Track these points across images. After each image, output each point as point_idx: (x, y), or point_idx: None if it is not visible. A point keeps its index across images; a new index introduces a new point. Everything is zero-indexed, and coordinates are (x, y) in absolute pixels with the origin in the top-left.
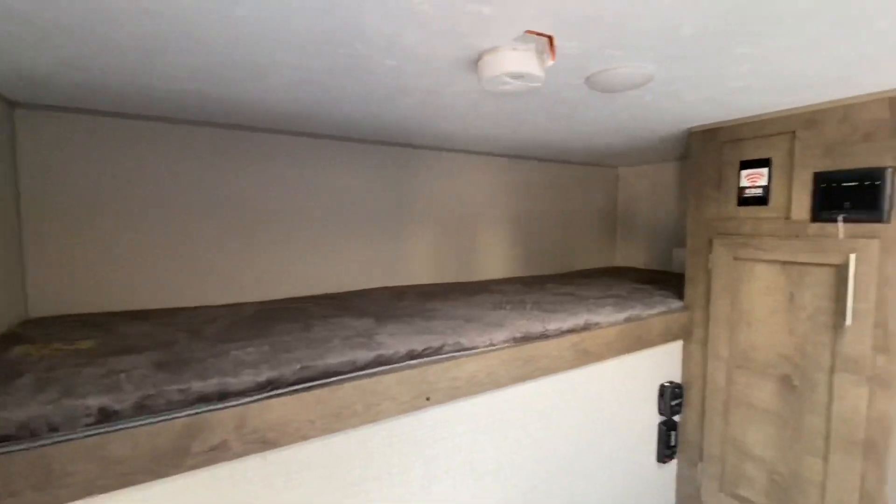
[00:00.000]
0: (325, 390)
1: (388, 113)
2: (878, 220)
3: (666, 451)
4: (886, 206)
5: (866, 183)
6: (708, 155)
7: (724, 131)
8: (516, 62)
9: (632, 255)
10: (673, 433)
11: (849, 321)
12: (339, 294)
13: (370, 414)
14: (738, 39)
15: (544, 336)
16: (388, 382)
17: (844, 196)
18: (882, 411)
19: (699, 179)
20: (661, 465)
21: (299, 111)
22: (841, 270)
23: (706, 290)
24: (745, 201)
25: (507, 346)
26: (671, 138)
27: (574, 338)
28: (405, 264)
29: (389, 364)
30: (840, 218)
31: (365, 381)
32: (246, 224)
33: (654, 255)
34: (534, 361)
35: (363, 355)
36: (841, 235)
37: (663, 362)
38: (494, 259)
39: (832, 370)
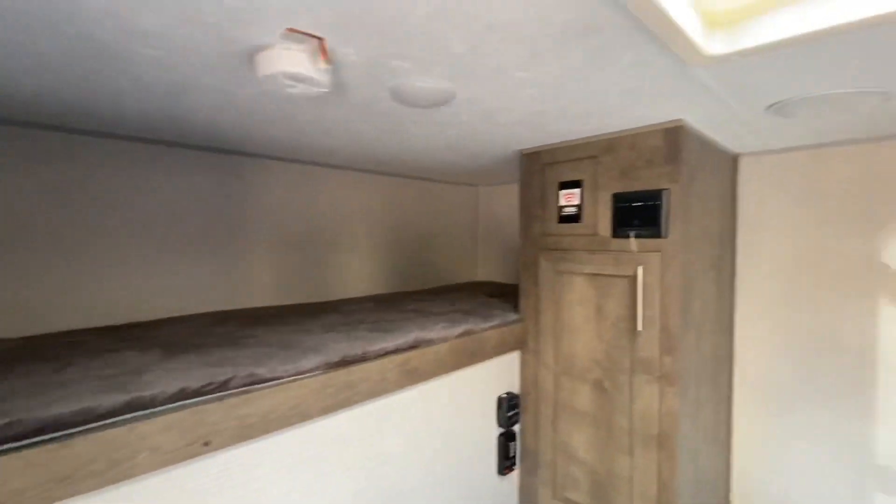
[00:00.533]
0: (42, 450)
1: (185, 112)
2: (658, 235)
3: (506, 462)
4: (664, 223)
5: (649, 203)
6: (533, 176)
7: (545, 154)
8: (287, 62)
9: (493, 269)
10: (512, 444)
11: (640, 327)
12: (144, 323)
13: (119, 471)
14: (512, 63)
15: (364, 359)
16: (146, 430)
17: (635, 214)
18: (670, 406)
19: (527, 199)
20: (502, 477)
21: (58, 103)
22: (633, 281)
23: (536, 302)
24: (563, 219)
25: (319, 374)
26: (507, 159)
27: (400, 358)
28: (243, 285)
29: (151, 407)
30: (632, 234)
31: (110, 432)
32: (20, 242)
33: (512, 270)
34: (352, 387)
35: (111, 399)
36: (634, 249)
37: (501, 374)
38: (355, 277)
39: (632, 372)
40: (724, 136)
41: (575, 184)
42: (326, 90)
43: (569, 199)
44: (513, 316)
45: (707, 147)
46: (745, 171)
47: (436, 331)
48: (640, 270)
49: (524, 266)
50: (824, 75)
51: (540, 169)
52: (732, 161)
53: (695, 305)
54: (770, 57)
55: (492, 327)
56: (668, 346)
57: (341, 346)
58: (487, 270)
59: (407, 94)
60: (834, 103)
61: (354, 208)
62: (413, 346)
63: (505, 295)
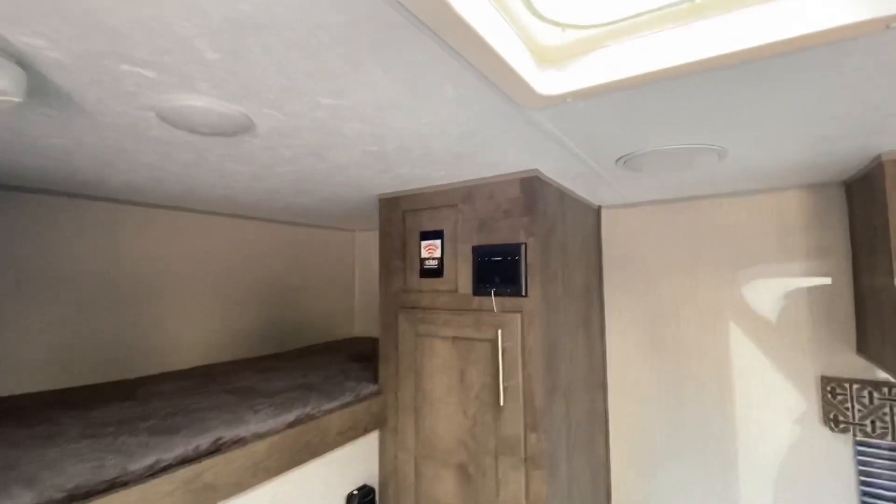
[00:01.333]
0: None
1: None
2: (519, 293)
3: None
4: (523, 280)
5: (508, 258)
6: (393, 224)
7: (405, 200)
8: None
9: (370, 323)
10: None
11: (501, 401)
12: None
13: None
14: (303, 83)
15: (115, 486)
16: None
17: (496, 270)
18: (537, 493)
19: (387, 249)
20: None
21: None
22: (495, 346)
23: (396, 370)
24: (425, 273)
25: None
26: (368, 204)
27: (186, 472)
28: (7, 361)
29: None
30: (492, 292)
31: None
32: None
33: None
34: None
35: None
36: (495, 309)
37: (353, 464)
38: (191, 341)
39: (497, 454)
40: (582, 188)
41: (436, 234)
42: (18, 100)
43: (430, 250)
44: (370, 387)
45: (567, 198)
46: (608, 222)
47: (254, 422)
48: (499, 334)
49: (384, 327)
50: (661, 126)
51: (400, 217)
52: (595, 213)
53: (561, 368)
54: (606, 102)
55: (339, 407)
56: (533, 421)
57: (80, 469)
58: (366, 324)
59: (174, 115)
60: (675, 159)
61: (192, 257)
62: (212, 452)
63: (374, 357)
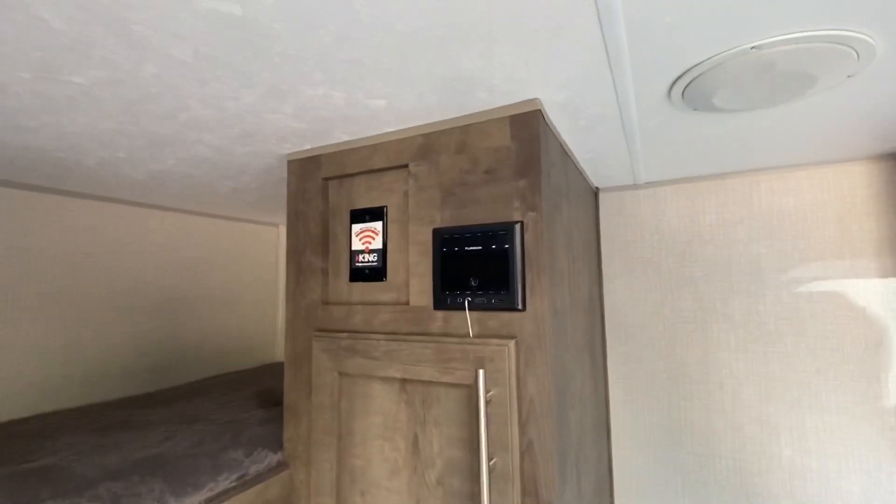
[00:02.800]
0: None
1: None
2: (511, 305)
3: None
4: (518, 283)
5: (493, 247)
6: (308, 199)
7: (327, 161)
8: None
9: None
10: None
11: (485, 495)
12: None
13: None
14: None
15: None
16: None
17: (470, 267)
18: None
19: (298, 237)
20: None
21: None
22: (471, 394)
23: (309, 433)
24: (358, 274)
25: None
26: (279, 168)
27: None
28: None
29: None
30: (467, 303)
31: None
32: None
33: None
34: None
35: None
36: (471, 333)
37: None
38: (11, 379)
39: None
40: (584, 151)
41: (375, 213)
42: None
43: (366, 239)
44: (269, 459)
45: (569, 163)
46: (609, 209)
47: None
48: (479, 376)
49: (291, 363)
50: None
51: (318, 188)
52: (593, 197)
53: (571, 420)
54: None
55: (205, 502)
56: None
57: None
58: None
59: None
60: (780, 72)
61: (15, 252)
62: None
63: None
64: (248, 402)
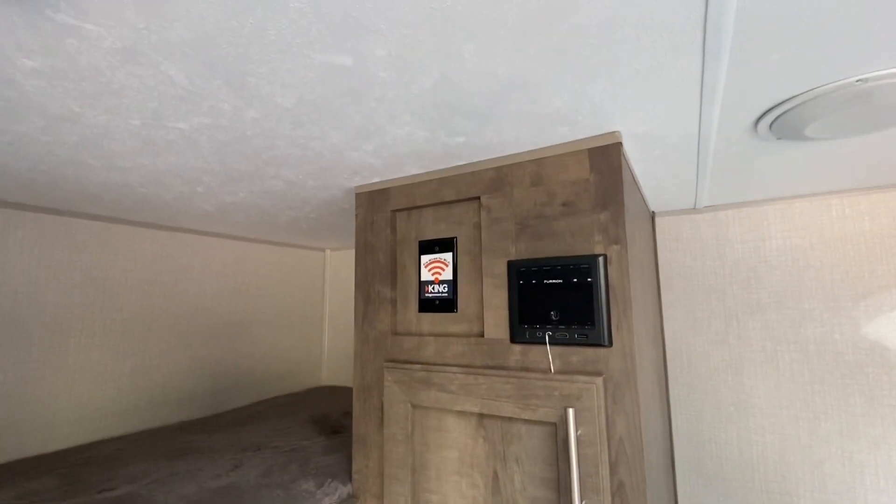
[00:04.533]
0: None
1: None
2: (598, 341)
3: None
4: (604, 318)
5: (574, 280)
6: (376, 231)
7: (397, 194)
8: None
9: (344, 368)
10: None
11: None
12: None
13: None
14: None
15: None
16: None
17: (550, 300)
18: None
19: (366, 268)
20: None
21: None
22: (560, 434)
23: (380, 467)
24: (427, 305)
25: None
26: (339, 205)
27: None
28: None
29: None
30: (548, 337)
31: None
32: None
33: None
34: None
35: None
36: (553, 369)
37: None
38: (81, 406)
39: None
40: (654, 177)
41: (445, 244)
42: None
43: (436, 270)
44: (339, 491)
45: (635, 190)
46: (666, 234)
47: None
48: (570, 416)
49: (360, 392)
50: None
51: (387, 219)
52: (650, 220)
53: (654, 459)
54: None
55: None
56: None
57: None
58: (338, 369)
59: None
60: (866, 110)
61: (81, 283)
62: None
63: (345, 428)
64: (305, 428)
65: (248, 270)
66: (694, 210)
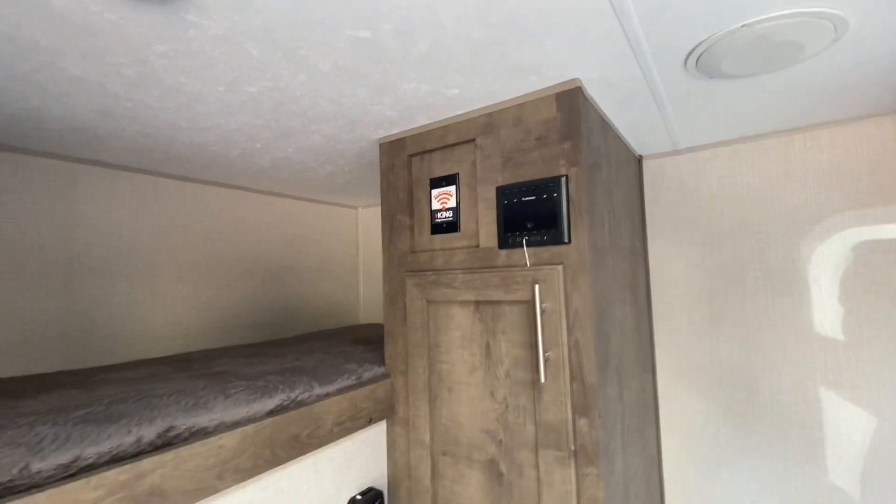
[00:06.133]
0: None
1: None
2: (560, 240)
3: None
4: (565, 222)
5: (544, 196)
6: (396, 173)
7: (410, 142)
8: None
9: (378, 310)
10: None
11: (542, 377)
12: None
13: None
14: None
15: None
16: None
17: (526, 214)
18: (592, 498)
19: (390, 203)
20: None
21: None
22: (530, 308)
23: (405, 349)
24: (437, 228)
25: None
26: (367, 160)
27: (123, 473)
28: None
29: None
30: (525, 241)
31: None
32: None
33: None
34: None
35: None
36: (528, 263)
37: (355, 463)
38: (173, 326)
39: (537, 446)
40: (625, 122)
41: (449, 180)
42: None
43: (443, 200)
44: (375, 370)
45: (610, 133)
46: (652, 174)
47: (221, 409)
48: (536, 290)
49: (389, 298)
50: None
51: (404, 163)
52: (637, 163)
53: (612, 338)
54: None
55: (336, 392)
56: (583, 403)
57: None
58: (373, 311)
59: None
60: (772, 43)
61: (167, 229)
62: (159, 446)
63: (379, 341)
64: (349, 342)
65: (293, 223)
66: (676, 152)
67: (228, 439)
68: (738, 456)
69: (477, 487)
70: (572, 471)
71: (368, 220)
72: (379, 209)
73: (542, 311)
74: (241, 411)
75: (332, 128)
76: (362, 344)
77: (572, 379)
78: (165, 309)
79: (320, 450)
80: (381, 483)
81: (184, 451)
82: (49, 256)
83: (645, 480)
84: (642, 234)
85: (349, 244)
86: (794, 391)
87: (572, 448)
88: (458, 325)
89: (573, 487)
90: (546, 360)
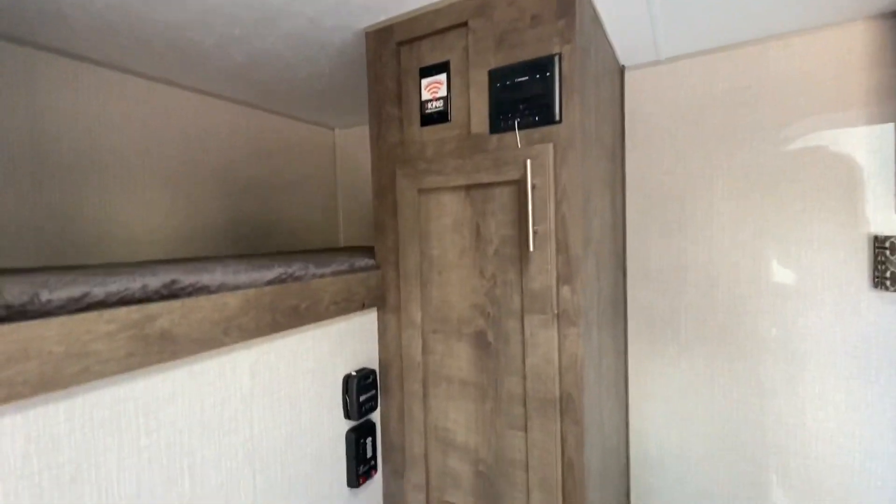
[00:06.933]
0: None
1: None
2: (551, 119)
3: (361, 468)
4: (557, 102)
5: (537, 76)
6: (384, 63)
7: (400, 29)
8: None
9: (358, 234)
10: (369, 440)
11: (531, 246)
12: None
13: None
14: None
15: (16, 315)
16: None
17: (518, 96)
18: (572, 355)
19: (377, 94)
20: (357, 488)
21: None
22: (519, 187)
23: (396, 240)
24: (427, 119)
25: None
26: (352, 49)
27: (133, 313)
28: None
29: None
30: (516, 123)
31: None
32: None
33: None
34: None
35: None
36: (519, 144)
37: (349, 344)
38: (151, 233)
39: (523, 313)
40: (615, 18)
41: (440, 68)
42: None
43: (433, 90)
44: (366, 261)
45: (598, 31)
46: (633, 87)
47: (222, 272)
48: (528, 166)
49: (378, 192)
50: None
51: (393, 52)
52: (619, 75)
53: (594, 222)
54: None
55: (331, 274)
56: (567, 272)
57: None
58: (351, 235)
59: None
60: None
61: (137, 131)
62: (165, 296)
63: (365, 252)
64: (335, 251)
65: (267, 139)
66: (656, 62)
67: (231, 298)
68: (696, 345)
69: (466, 357)
70: (555, 331)
71: (346, 142)
72: (357, 130)
73: (533, 188)
74: (242, 278)
75: (315, 10)
76: (349, 251)
77: (558, 251)
78: (144, 216)
79: (318, 324)
80: (374, 365)
81: (190, 303)
82: (14, 147)
83: (614, 362)
84: (621, 145)
85: (326, 167)
86: (750, 284)
87: (555, 312)
88: (449, 211)
89: (555, 344)
90: (535, 234)
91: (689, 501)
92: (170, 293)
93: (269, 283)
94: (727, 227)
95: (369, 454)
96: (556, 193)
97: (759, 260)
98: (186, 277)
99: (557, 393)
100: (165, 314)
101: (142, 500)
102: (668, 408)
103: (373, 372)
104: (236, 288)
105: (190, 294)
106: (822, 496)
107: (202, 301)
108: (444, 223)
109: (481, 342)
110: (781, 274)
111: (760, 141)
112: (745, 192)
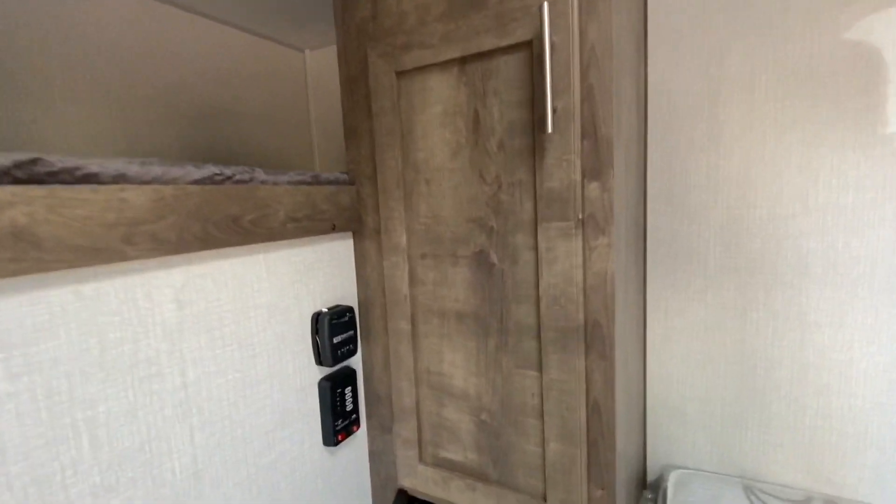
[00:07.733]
0: None
1: None
2: None
3: (339, 423)
4: None
5: None
6: None
7: None
8: None
9: (336, 163)
10: (349, 391)
11: (549, 127)
12: None
13: None
14: None
15: None
16: None
17: None
18: (600, 272)
19: None
20: (335, 447)
21: None
22: (531, 50)
23: (371, 146)
24: None
25: None
26: None
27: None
28: None
29: None
30: None
31: None
32: None
33: None
34: None
35: None
36: None
37: (319, 276)
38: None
39: (536, 223)
40: None
41: None
42: None
43: None
44: (336, 176)
45: None
46: None
47: (122, 162)
48: (545, 12)
49: (347, 86)
50: None
51: None
52: None
53: (623, 113)
54: None
55: (288, 183)
56: (596, 162)
57: None
58: (329, 164)
59: None
60: None
61: (76, 37)
62: (21, 180)
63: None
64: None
65: (227, 58)
66: None
67: (134, 194)
68: (728, 276)
69: (464, 285)
70: (579, 242)
71: (318, 65)
72: (329, 51)
73: (551, 47)
74: (154, 171)
75: None
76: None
77: (583, 135)
78: (66, 139)
79: (273, 245)
80: (352, 302)
81: (63, 192)
82: None
83: (635, 297)
84: (644, 43)
85: (298, 94)
86: (794, 201)
87: (580, 217)
88: (438, 97)
89: (579, 260)
90: (553, 113)
91: (715, 450)
92: (29, 177)
93: (199, 181)
94: (769, 136)
95: (349, 407)
96: (582, 56)
97: (807, 172)
98: (60, 162)
99: (581, 320)
100: (21, 204)
101: (9, 465)
102: (691, 348)
103: (349, 309)
104: (142, 182)
105: (65, 182)
106: (867, 440)
107: (86, 192)
108: (432, 114)
109: (483, 264)
110: (834, 186)
111: (819, 26)
112: (794, 91)
